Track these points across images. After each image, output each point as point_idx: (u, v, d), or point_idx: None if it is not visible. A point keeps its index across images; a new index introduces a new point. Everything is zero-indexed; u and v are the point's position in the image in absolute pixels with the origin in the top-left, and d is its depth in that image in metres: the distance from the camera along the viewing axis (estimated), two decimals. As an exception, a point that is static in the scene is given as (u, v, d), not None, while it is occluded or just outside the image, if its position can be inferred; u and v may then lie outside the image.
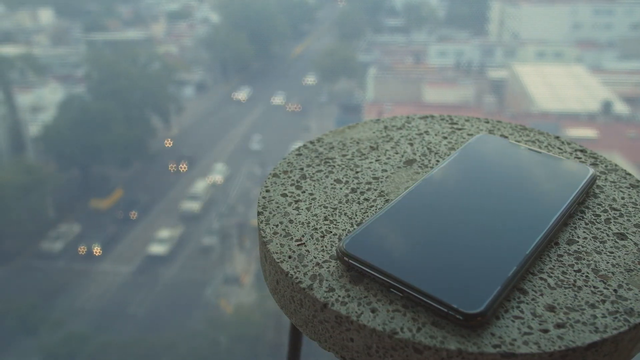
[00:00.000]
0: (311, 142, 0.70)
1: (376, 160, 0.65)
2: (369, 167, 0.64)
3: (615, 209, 0.56)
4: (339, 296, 0.46)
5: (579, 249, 0.51)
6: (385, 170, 0.63)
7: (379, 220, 0.51)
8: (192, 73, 25.34)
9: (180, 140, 20.91)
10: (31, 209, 15.59)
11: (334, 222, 0.55)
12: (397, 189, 0.60)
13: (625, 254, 0.50)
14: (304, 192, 0.60)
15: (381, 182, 0.61)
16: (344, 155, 0.67)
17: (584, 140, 14.16)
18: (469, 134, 0.71)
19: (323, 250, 0.51)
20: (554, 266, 0.49)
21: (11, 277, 13.94)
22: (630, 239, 0.52)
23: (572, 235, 0.53)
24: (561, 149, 0.68)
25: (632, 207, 0.57)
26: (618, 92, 19.98)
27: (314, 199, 0.59)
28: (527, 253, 0.47)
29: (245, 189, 17.41)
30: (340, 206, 0.57)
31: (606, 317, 0.43)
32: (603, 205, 0.57)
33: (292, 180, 0.62)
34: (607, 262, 0.49)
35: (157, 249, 14.76)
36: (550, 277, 0.47)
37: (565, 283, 0.47)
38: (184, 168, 18.45)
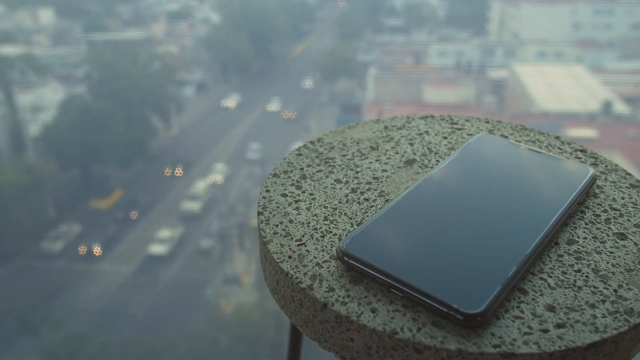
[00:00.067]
0: (311, 142, 0.70)
1: (376, 160, 0.65)
2: (369, 167, 0.64)
3: (615, 209, 0.56)
4: (339, 296, 0.46)
5: (579, 249, 0.51)
6: (386, 170, 0.63)
7: (379, 220, 0.51)
8: (192, 73, 25.34)
9: (181, 140, 20.91)
10: (31, 209, 15.59)
11: (334, 222, 0.55)
12: (397, 189, 0.60)
13: (625, 254, 0.50)
14: (304, 192, 0.60)
15: (381, 182, 0.61)
16: (344, 155, 0.67)
17: (584, 140, 14.16)
18: (469, 134, 0.71)
19: (323, 250, 0.51)
20: (554, 266, 0.49)
21: (11, 277, 13.94)
22: (630, 239, 0.52)
23: (572, 235, 0.53)
24: (561, 149, 0.68)
25: (632, 207, 0.57)
26: (618, 92, 19.98)
27: (314, 199, 0.59)
28: (527, 253, 0.47)
29: (246, 189, 17.41)
30: (341, 206, 0.57)
31: (606, 317, 0.43)
32: (603, 205, 0.57)
33: (292, 180, 0.62)
34: (607, 262, 0.49)
35: (157, 249, 14.76)
36: (551, 277, 0.47)
37: (565, 283, 0.47)
38: (180, 172, 18.36)
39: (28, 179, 15.63)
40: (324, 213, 0.56)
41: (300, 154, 0.67)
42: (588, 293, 0.46)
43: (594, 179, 0.58)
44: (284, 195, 0.60)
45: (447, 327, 0.42)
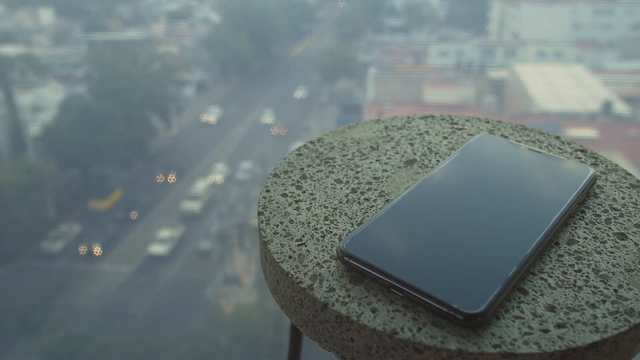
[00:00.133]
0: (311, 142, 0.70)
1: (376, 160, 0.65)
2: (370, 167, 0.64)
3: (615, 209, 0.57)
4: (340, 296, 0.46)
5: (579, 249, 0.51)
6: (386, 170, 0.63)
7: (379, 220, 0.51)
8: (192, 73, 25.34)
9: (181, 140, 20.91)
10: (31, 209, 15.59)
11: (335, 222, 0.55)
12: (398, 189, 0.60)
13: (626, 254, 0.50)
14: (304, 192, 0.60)
15: (381, 182, 0.61)
16: (344, 155, 0.67)
17: (584, 140, 14.16)
18: (469, 134, 0.71)
19: (323, 250, 0.51)
20: (554, 266, 0.49)
21: (11, 277, 13.94)
22: (631, 239, 0.52)
23: (573, 235, 0.53)
24: (561, 149, 0.68)
25: (633, 207, 0.57)
26: (618, 92, 19.98)
27: (314, 199, 0.59)
28: (527, 253, 0.47)
29: (246, 189, 17.41)
30: (341, 206, 0.57)
31: (606, 317, 0.43)
32: (603, 205, 0.57)
33: (293, 180, 0.62)
34: (608, 262, 0.49)
35: (157, 249, 14.76)
36: (551, 277, 0.47)
37: (565, 283, 0.47)
38: (173, 179, 18.26)
39: (28, 179, 15.63)
40: (324, 213, 0.56)
41: (301, 154, 0.67)
42: (588, 293, 0.46)
43: (594, 179, 0.58)
44: (285, 195, 0.60)
45: (448, 327, 0.42)
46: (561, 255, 0.50)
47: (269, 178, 0.63)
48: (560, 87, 20.37)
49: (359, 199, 0.59)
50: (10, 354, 11.53)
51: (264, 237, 0.54)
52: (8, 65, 21.28)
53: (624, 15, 26.30)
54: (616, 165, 0.65)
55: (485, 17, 29.48)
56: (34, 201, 15.65)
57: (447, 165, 0.60)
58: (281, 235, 0.54)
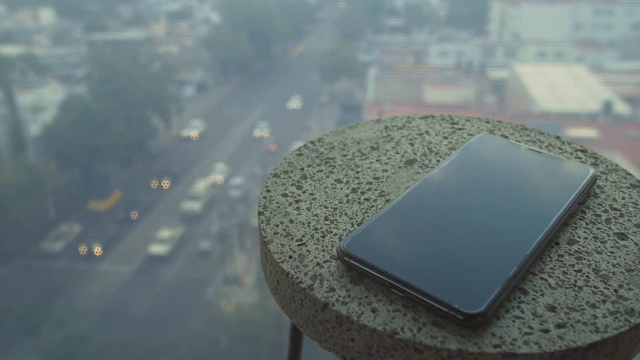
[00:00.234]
0: (312, 142, 0.70)
1: (377, 160, 0.65)
2: (370, 167, 0.64)
3: (615, 209, 0.57)
4: (340, 296, 0.46)
5: (579, 249, 0.51)
6: (386, 170, 0.63)
7: (379, 220, 0.51)
8: (192, 73, 25.34)
9: (181, 140, 20.91)
10: (32, 209, 15.59)
11: (335, 222, 0.55)
12: (398, 189, 0.60)
13: (626, 254, 0.50)
14: (304, 192, 0.60)
15: (382, 182, 0.61)
16: (344, 155, 0.67)
17: (584, 140, 14.16)
18: (469, 134, 0.71)
19: (324, 250, 0.51)
20: (554, 266, 0.49)
21: (11, 277, 13.95)
22: (631, 239, 0.52)
23: (573, 235, 0.53)
24: (562, 149, 0.68)
25: (633, 207, 0.57)
26: (618, 92, 19.97)
27: (314, 199, 0.59)
28: (527, 253, 0.47)
29: (246, 189, 17.41)
30: (341, 206, 0.57)
31: (607, 317, 0.43)
32: (604, 205, 0.57)
33: (293, 180, 0.62)
34: (608, 262, 0.49)
35: (157, 249, 14.76)
36: (551, 277, 0.47)
37: (565, 283, 0.47)
38: (167, 185, 18.17)
39: (28, 179, 15.63)
40: (325, 213, 0.56)
41: (301, 154, 0.67)
42: (589, 293, 0.46)
43: (594, 179, 0.58)
44: (285, 195, 0.60)
45: (448, 327, 0.42)
46: (561, 255, 0.50)
47: (269, 178, 0.63)
48: (560, 87, 20.36)
49: (359, 199, 0.59)
50: (11, 354, 11.53)
51: (265, 237, 0.54)
52: (8, 65, 21.29)
53: (624, 15, 26.29)
54: (616, 165, 0.65)
55: (485, 17, 29.48)
56: (34, 201, 15.65)
57: (448, 165, 0.60)
58: (281, 235, 0.54)
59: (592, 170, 0.59)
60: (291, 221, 0.55)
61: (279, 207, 0.58)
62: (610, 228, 0.54)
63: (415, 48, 27.20)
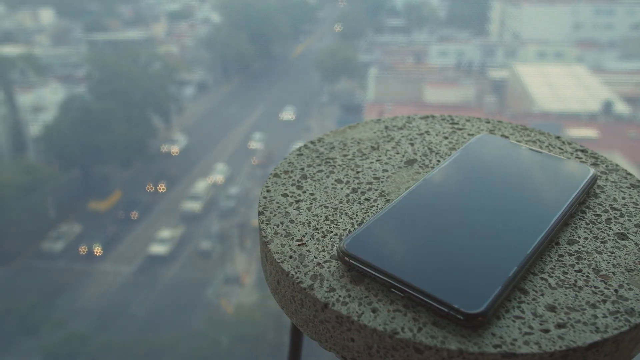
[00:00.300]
0: (312, 142, 0.70)
1: (377, 160, 0.65)
2: (370, 167, 0.64)
3: (616, 209, 0.57)
4: (340, 296, 0.46)
5: (579, 249, 0.51)
6: (386, 170, 0.63)
7: (379, 220, 0.51)
8: (192, 73, 25.33)
9: (181, 140, 20.90)
10: (32, 209, 15.59)
11: (335, 222, 0.55)
12: (398, 189, 0.60)
13: (626, 254, 0.50)
14: (304, 192, 0.60)
15: (382, 182, 0.61)
16: (344, 155, 0.67)
17: (584, 140, 14.15)
18: (469, 134, 0.71)
19: (324, 250, 0.51)
20: (554, 266, 0.49)
21: (12, 277, 13.95)
22: (631, 239, 0.52)
23: (573, 235, 0.53)
24: (562, 149, 0.68)
25: (633, 207, 0.57)
26: (619, 92, 19.96)
27: (314, 199, 0.59)
28: (527, 253, 0.47)
29: (246, 189, 17.41)
30: (341, 206, 0.57)
31: (607, 317, 0.43)
32: (604, 205, 0.57)
33: (293, 180, 0.62)
34: (608, 262, 0.49)
35: (157, 249, 14.76)
36: (551, 277, 0.47)
37: (566, 283, 0.47)
38: (163, 188, 18.09)
39: (28, 179, 15.63)
40: (325, 213, 0.56)
41: (301, 154, 0.67)
42: (589, 293, 0.46)
43: (594, 179, 0.58)
44: (285, 195, 0.60)
45: (448, 327, 0.42)
46: (562, 255, 0.50)
47: (269, 178, 0.63)
48: (560, 87, 20.36)
49: (359, 199, 0.59)
50: (11, 354, 11.53)
51: (265, 237, 0.54)
52: (8, 65, 21.28)
53: (624, 15, 26.28)
54: (617, 165, 0.65)
55: (485, 17, 29.47)
56: (35, 201, 15.65)
57: (448, 165, 0.60)
58: (282, 235, 0.54)
59: (592, 170, 0.59)
60: (291, 221, 0.55)
61: (279, 207, 0.58)
62: (610, 228, 0.54)
63: (416, 48, 27.20)
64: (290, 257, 0.51)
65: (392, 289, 0.45)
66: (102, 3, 29.29)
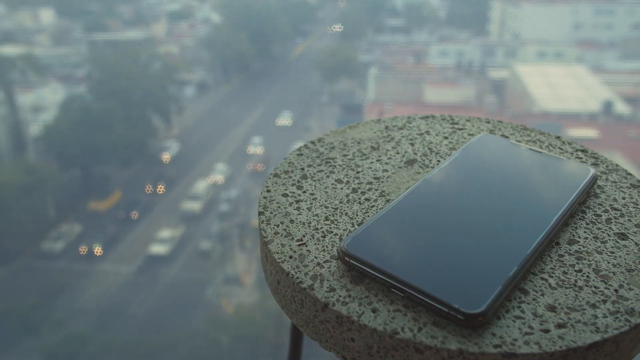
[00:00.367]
0: (312, 142, 0.70)
1: (377, 160, 0.65)
2: (370, 167, 0.64)
3: (616, 209, 0.57)
4: (340, 296, 0.46)
5: (579, 249, 0.51)
6: (386, 170, 0.63)
7: (379, 220, 0.51)
8: (193, 73, 25.33)
9: (181, 140, 20.91)
10: (32, 209, 15.59)
11: (335, 222, 0.55)
12: (398, 189, 0.60)
13: (626, 254, 0.50)
14: (305, 192, 0.60)
15: (382, 182, 0.61)
16: (345, 155, 0.67)
17: (584, 140, 14.15)
18: (470, 134, 0.71)
19: (324, 250, 0.51)
20: (554, 266, 0.49)
21: (12, 277, 13.95)
22: (631, 239, 0.52)
23: (573, 235, 0.53)
24: (562, 149, 0.68)
25: (633, 207, 0.57)
26: (619, 92, 19.96)
27: (314, 199, 0.59)
28: (528, 253, 0.47)
29: (247, 189, 17.41)
30: (341, 206, 0.57)
31: (607, 317, 0.43)
32: (604, 205, 0.57)
33: (293, 180, 0.62)
34: (608, 262, 0.49)
35: (158, 249, 14.76)
36: (551, 277, 0.47)
37: (566, 283, 0.47)
38: (162, 190, 18.02)
39: (28, 179, 15.63)
40: (325, 213, 0.56)
41: (301, 154, 0.67)
42: (589, 293, 0.46)
43: (594, 179, 0.58)
44: (285, 195, 0.60)
45: (448, 327, 0.42)
46: (562, 255, 0.50)
47: (269, 178, 0.63)
48: (560, 87, 20.36)
49: (359, 199, 0.59)
50: (11, 354, 11.53)
51: (265, 237, 0.54)
52: (9, 65, 21.29)
53: (624, 15, 26.28)
54: (617, 165, 0.65)
55: (485, 17, 29.46)
56: (35, 201, 15.65)
57: (448, 165, 0.60)
58: (282, 235, 0.54)
59: (592, 170, 0.59)
60: (291, 221, 0.55)
61: (279, 207, 0.58)
62: (610, 228, 0.54)
63: (416, 48, 27.20)
64: (291, 257, 0.51)
65: (392, 289, 0.45)
66: (102, 3, 29.30)
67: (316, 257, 0.50)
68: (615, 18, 26.39)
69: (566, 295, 0.45)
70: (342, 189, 0.60)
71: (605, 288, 0.46)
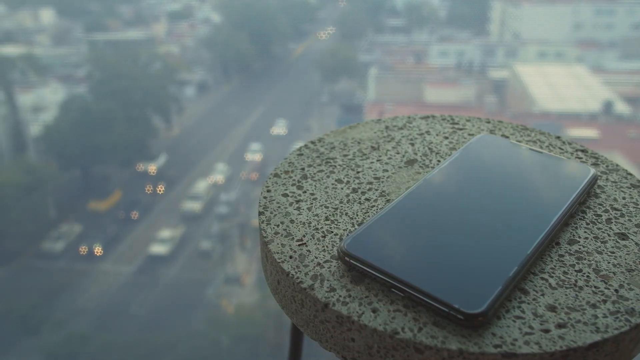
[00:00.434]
0: (312, 142, 0.70)
1: (377, 160, 0.65)
2: (370, 167, 0.64)
3: (616, 209, 0.57)
4: (340, 296, 0.46)
5: (580, 249, 0.51)
6: (387, 170, 0.63)
7: (380, 220, 0.51)
8: (193, 73, 25.33)
9: (182, 140, 20.92)
10: (32, 209, 15.59)
11: (335, 222, 0.55)
12: (398, 189, 0.60)
13: (627, 254, 0.50)
14: (305, 192, 0.60)
15: (382, 182, 0.61)
16: (345, 155, 0.67)
17: (585, 140, 14.15)
18: (470, 134, 0.71)
19: (324, 250, 0.51)
20: (555, 266, 0.49)
21: (12, 277, 13.95)
22: (632, 239, 0.52)
23: (573, 235, 0.53)
24: (562, 149, 0.68)
25: (633, 207, 0.57)
26: (619, 92, 19.96)
27: (315, 199, 0.59)
28: (528, 253, 0.47)
29: (247, 189, 17.41)
30: (342, 206, 0.57)
31: (607, 317, 0.43)
32: (604, 205, 0.57)
33: (294, 180, 0.62)
34: (608, 262, 0.49)
35: (158, 249, 14.76)
36: (552, 277, 0.47)
37: (566, 283, 0.47)
38: (162, 190, 17.96)
39: (29, 179, 15.64)
40: (325, 213, 0.56)
41: (302, 154, 0.67)
42: (589, 293, 0.46)
43: (595, 179, 0.58)
44: (285, 195, 0.60)
45: (448, 327, 0.42)
46: (562, 255, 0.50)
47: (269, 178, 0.63)
48: (561, 87, 20.36)
49: (359, 199, 0.59)
50: (11, 354, 11.53)
51: (265, 237, 0.54)
52: (9, 65, 21.29)
53: (625, 15, 26.28)
54: (617, 165, 0.65)
55: (486, 17, 29.46)
56: (35, 201, 15.65)
57: (448, 165, 0.60)
58: (282, 235, 0.54)
59: (592, 170, 0.59)
60: (292, 221, 0.55)
61: (279, 207, 0.58)
62: (610, 228, 0.54)
63: (416, 48, 27.20)
64: (291, 257, 0.51)
65: (393, 289, 0.45)
66: (102, 3, 29.30)
67: (316, 257, 0.50)
68: (616, 18, 26.39)
69: (566, 295, 0.45)
70: (342, 189, 0.60)
71: (605, 288, 0.46)
